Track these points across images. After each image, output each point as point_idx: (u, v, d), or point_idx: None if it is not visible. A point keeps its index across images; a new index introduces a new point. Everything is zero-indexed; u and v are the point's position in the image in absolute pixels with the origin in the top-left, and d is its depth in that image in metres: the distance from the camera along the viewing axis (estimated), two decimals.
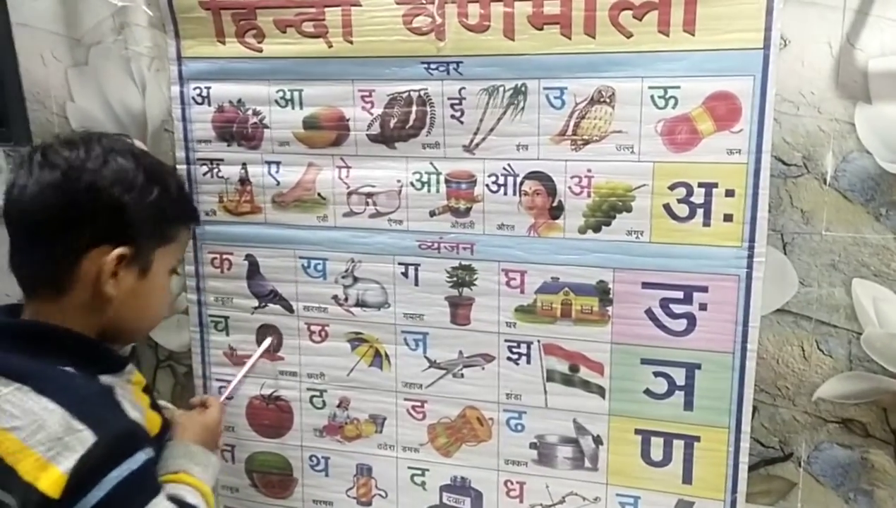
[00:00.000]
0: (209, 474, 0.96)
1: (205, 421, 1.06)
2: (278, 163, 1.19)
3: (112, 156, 0.87)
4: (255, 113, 1.18)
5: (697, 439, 1.10)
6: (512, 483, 1.20)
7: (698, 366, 1.08)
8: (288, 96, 1.16)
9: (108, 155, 0.87)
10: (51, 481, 0.75)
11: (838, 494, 1.08)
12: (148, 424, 0.89)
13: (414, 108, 1.12)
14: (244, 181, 1.21)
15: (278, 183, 1.20)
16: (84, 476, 0.76)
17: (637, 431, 1.13)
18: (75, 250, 0.85)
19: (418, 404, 1.22)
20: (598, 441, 1.15)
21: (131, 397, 0.89)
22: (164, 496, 0.84)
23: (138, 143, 1.02)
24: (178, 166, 1.23)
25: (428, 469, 1.24)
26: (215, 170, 1.22)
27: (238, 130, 1.19)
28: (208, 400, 1.14)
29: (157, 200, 0.89)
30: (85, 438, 0.77)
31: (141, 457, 0.81)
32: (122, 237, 0.86)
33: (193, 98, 1.20)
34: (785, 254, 1.04)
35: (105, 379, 0.87)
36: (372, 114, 1.13)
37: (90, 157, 0.86)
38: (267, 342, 1.25)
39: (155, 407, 0.97)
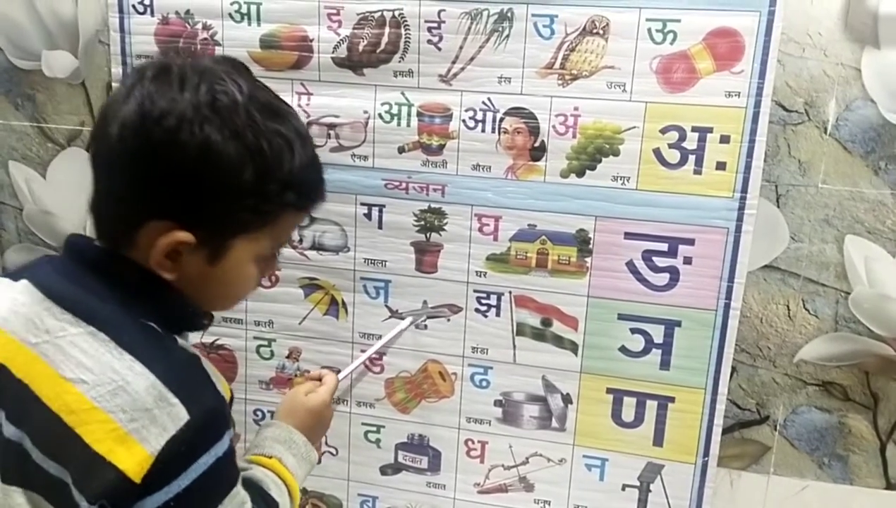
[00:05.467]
0: (303, 470, 0.85)
1: (310, 406, 0.93)
2: None
3: (218, 107, 0.64)
4: (206, 27, 1.06)
5: (672, 400, 1.06)
6: (473, 443, 1.13)
7: (678, 324, 1.03)
8: (244, 10, 1.04)
9: (211, 104, 0.64)
10: (134, 461, 0.60)
11: (812, 459, 1.05)
12: (224, 393, 0.73)
13: (386, 30, 1.01)
14: None
15: None
16: (174, 460, 0.62)
17: (609, 390, 1.07)
18: (134, 213, 0.66)
19: (376, 356, 1.13)
20: (567, 399, 1.09)
21: (209, 364, 0.73)
22: (241, 485, 0.71)
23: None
24: (113, 84, 1.09)
25: (383, 426, 1.16)
26: None
27: (185, 46, 1.06)
28: (327, 377, 0.99)
29: (263, 183, 0.66)
30: (178, 415, 0.62)
31: (227, 440, 0.68)
32: (190, 218, 0.66)
33: (134, 6, 1.07)
34: (778, 206, 0.98)
35: (181, 342, 0.71)
36: (339, 34, 1.03)
37: (181, 99, 0.63)
38: (405, 323, 1.10)
39: None
